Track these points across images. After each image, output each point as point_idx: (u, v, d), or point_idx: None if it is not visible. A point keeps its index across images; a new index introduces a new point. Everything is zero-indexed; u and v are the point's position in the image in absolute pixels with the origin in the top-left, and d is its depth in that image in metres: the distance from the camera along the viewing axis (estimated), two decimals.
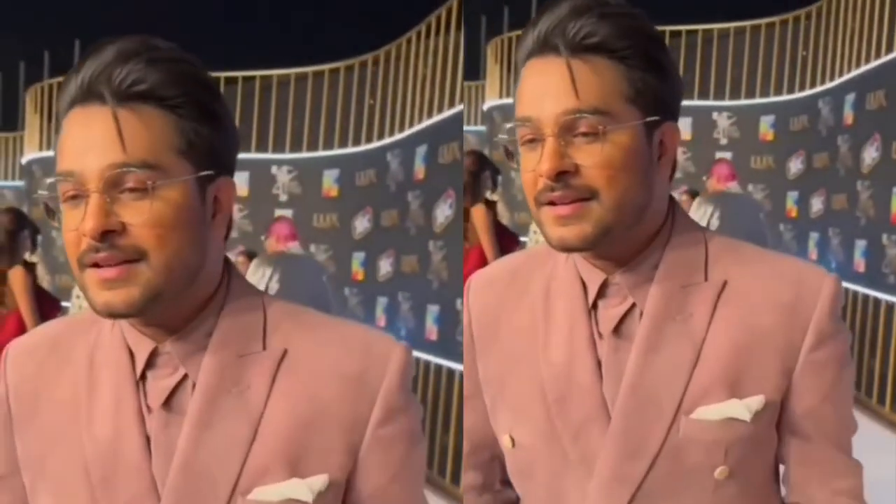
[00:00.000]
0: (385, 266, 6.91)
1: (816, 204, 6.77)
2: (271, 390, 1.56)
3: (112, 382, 1.58)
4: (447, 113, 6.64)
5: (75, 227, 1.50)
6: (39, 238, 5.62)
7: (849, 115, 6.83)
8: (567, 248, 1.67)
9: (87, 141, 1.51)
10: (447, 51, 6.77)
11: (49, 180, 1.54)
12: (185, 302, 1.56)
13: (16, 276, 5.36)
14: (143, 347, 1.57)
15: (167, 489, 1.53)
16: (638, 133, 1.66)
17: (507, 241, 6.36)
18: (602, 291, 1.72)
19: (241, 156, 1.66)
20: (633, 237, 1.70)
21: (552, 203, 1.65)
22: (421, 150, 6.75)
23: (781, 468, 1.78)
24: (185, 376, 1.56)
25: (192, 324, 1.57)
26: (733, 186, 6.79)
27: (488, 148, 7.72)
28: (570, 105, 1.63)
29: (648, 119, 1.66)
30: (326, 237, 7.61)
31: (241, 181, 10.45)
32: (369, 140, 7.50)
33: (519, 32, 1.74)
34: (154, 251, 1.50)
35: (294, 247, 6.63)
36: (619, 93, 1.65)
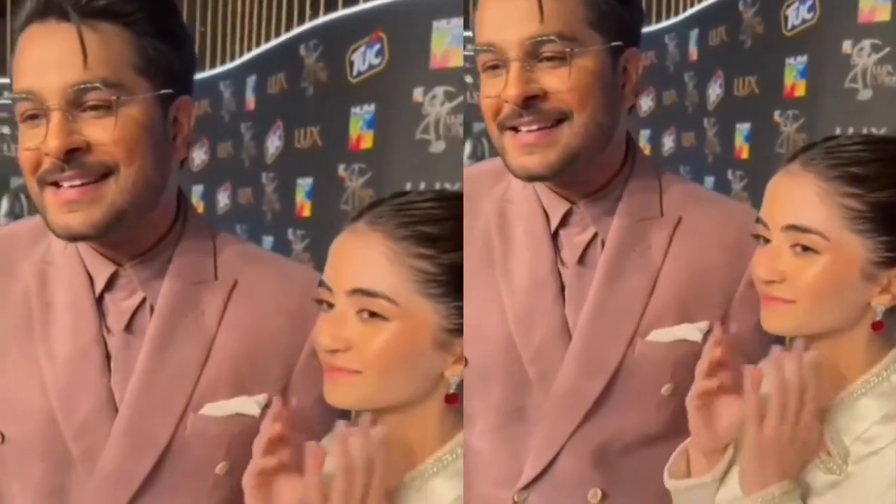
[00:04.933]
0: (223, 199, 6.78)
1: (668, 142, 6.80)
2: (223, 317, 1.61)
3: (70, 302, 1.59)
4: (273, 42, 6.51)
5: (35, 146, 1.48)
6: None
7: (693, 52, 6.85)
8: (530, 177, 1.70)
9: (47, 58, 1.48)
10: None
11: (6, 98, 1.51)
12: (147, 227, 1.57)
13: None
14: (102, 269, 1.58)
15: (125, 404, 1.57)
16: (602, 57, 1.68)
17: None
18: (564, 220, 1.77)
19: None
20: (598, 167, 1.76)
21: (515, 129, 1.66)
22: (251, 81, 6.60)
23: None
24: (144, 300, 1.58)
25: (153, 250, 1.59)
26: None
27: None
28: (533, 30, 1.64)
29: (613, 44, 1.69)
30: None
31: None
32: (202, 69, 7.26)
33: None
34: (123, 167, 1.50)
35: None
36: (582, 17, 1.66)
